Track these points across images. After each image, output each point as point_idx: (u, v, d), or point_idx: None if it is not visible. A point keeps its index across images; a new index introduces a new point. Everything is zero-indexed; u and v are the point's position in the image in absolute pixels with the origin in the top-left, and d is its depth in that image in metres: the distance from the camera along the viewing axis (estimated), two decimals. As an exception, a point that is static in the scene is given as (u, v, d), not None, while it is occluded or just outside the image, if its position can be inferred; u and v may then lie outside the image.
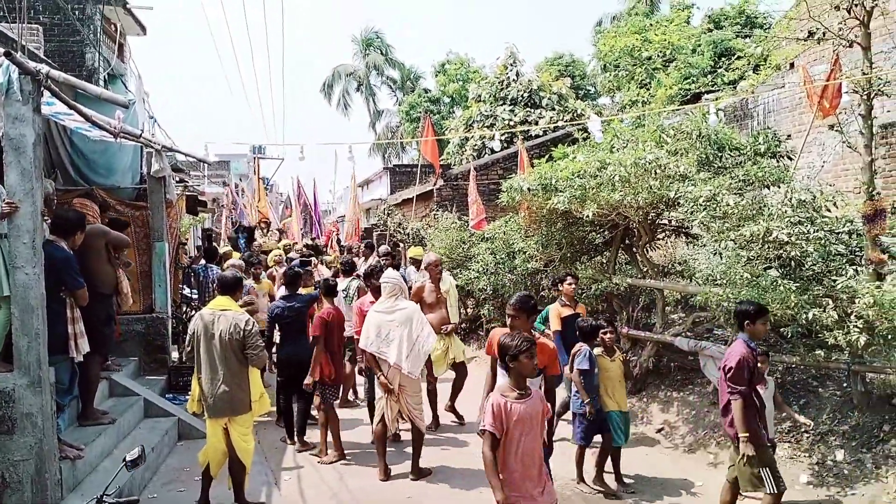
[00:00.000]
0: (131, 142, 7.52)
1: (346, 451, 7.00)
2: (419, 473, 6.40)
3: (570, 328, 6.97)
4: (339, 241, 15.38)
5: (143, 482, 6.02)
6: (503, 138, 17.36)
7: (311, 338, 6.91)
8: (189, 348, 5.58)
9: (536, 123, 18.10)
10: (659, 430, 7.61)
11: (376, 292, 6.87)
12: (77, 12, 10.58)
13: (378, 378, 6.38)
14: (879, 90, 6.36)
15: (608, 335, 6.30)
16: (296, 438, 7.32)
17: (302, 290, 7.89)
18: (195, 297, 9.22)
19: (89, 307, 5.68)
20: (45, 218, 5.42)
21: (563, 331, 7.12)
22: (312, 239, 15.83)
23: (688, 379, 8.13)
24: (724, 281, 6.59)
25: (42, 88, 4.93)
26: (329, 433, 6.95)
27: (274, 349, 7.73)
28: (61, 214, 5.70)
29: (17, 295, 4.79)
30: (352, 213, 16.18)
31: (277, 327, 7.48)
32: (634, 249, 8.72)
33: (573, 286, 7.41)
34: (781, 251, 6.36)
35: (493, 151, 16.59)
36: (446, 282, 8.21)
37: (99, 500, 3.29)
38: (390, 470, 6.50)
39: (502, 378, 4.16)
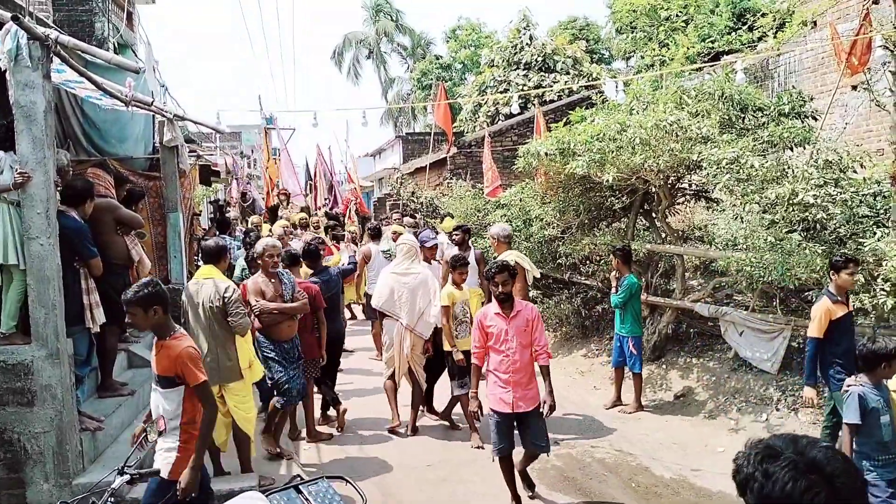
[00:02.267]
0: (143, 110, 7.41)
1: (368, 428, 7.02)
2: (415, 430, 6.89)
3: (842, 334, 5.31)
4: (357, 211, 14.98)
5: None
6: (517, 103, 17.13)
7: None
8: (183, 320, 5.55)
9: (551, 88, 17.83)
10: (679, 397, 7.54)
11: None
12: (85, -20, 10.41)
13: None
14: (911, 46, 6.14)
15: None
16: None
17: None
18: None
19: (104, 278, 5.63)
20: (59, 188, 5.35)
21: (831, 337, 5.29)
22: (331, 209, 15.37)
23: (707, 345, 8.05)
24: (747, 245, 6.47)
25: (51, 55, 4.84)
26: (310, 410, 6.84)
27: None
28: (69, 184, 5.62)
29: (32, 266, 4.75)
30: (357, 184, 15.94)
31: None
32: (654, 215, 8.58)
33: (855, 276, 5.37)
34: (806, 214, 6.22)
35: (509, 116, 16.31)
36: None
37: (120, 472, 3.28)
38: (399, 416, 6.91)
39: None
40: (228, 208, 14.41)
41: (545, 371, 5.06)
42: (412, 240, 7.14)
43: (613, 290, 7.43)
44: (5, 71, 4.64)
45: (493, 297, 5.13)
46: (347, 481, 4.01)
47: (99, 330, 5.59)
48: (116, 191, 7.37)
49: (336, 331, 7.08)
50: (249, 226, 10.44)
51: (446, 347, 6.49)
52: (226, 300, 5.17)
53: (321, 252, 7.29)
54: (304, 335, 6.48)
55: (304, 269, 7.16)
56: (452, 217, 11.31)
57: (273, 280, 5.98)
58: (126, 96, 6.41)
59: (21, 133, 4.71)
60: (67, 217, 5.24)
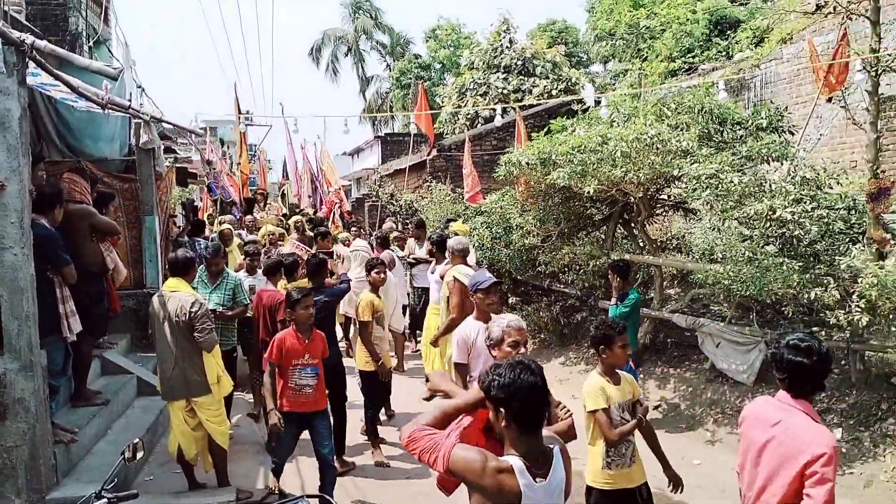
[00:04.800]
0: (119, 113, 7.28)
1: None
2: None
3: None
4: (342, 215, 14.18)
5: (139, 463, 5.93)
6: (496, 105, 17.14)
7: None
8: (151, 331, 5.47)
9: (530, 92, 17.87)
10: (656, 407, 7.59)
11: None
12: (60, -27, 10.20)
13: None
14: (888, 66, 6.24)
15: None
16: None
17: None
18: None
19: (78, 286, 5.53)
20: (32, 195, 5.23)
21: None
22: (314, 212, 14.45)
23: (685, 355, 8.12)
24: (725, 258, 6.53)
25: (27, 60, 4.73)
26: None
27: None
28: (38, 190, 5.47)
29: (5, 276, 4.64)
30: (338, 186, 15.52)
31: None
32: (633, 225, 8.64)
33: None
34: (783, 230, 6.30)
35: (489, 119, 16.32)
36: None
37: (97, 495, 3.20)
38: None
39: None
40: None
41: None
42: (365, 247, 7.73)
43: (614, 301, 6.79)
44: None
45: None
46: (328, 501, 3.97)
47: (75, 338, 5.49)
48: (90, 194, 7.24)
49: (332, 361, 5.96)
50: (221, 227, 10.01)
51: (589, 482, 4.29)
52: (192, 315, 5.09)
53: (326, 263, 6.64)
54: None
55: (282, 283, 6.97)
56: (463, 221, 10.48)
57: None
58: (102, 99, 6.29)
59: (-5, 141, 4.60)
60: (37, 225, 5.09)
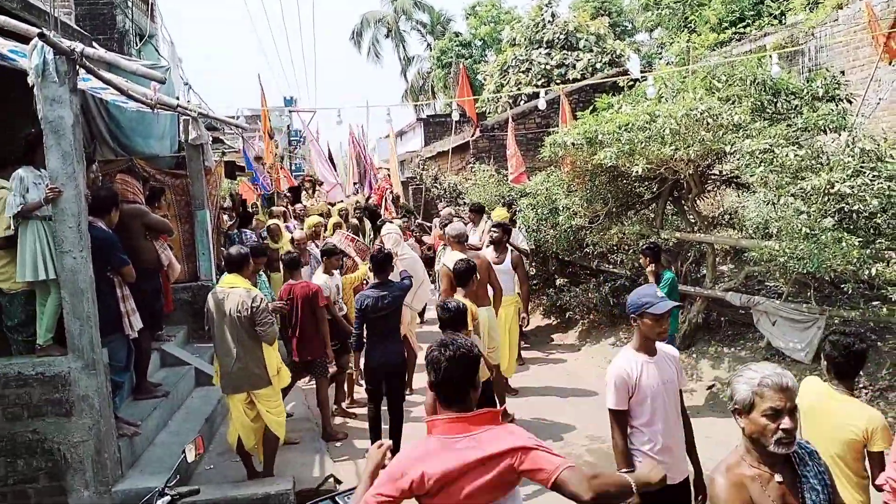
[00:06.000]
0: (168, 111, 7.42)
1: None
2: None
3: None
4: (394, 200, 13.45)
5: (199, 457, 6.12)
6: (540, 83, 16.85)
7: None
8: (207, 326, 5.60)
9: (574, 67, 17.53)
10: (710, 387, 7.47)
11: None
12: (105, -27, 10.38)
13: None
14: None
15: None
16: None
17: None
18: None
19: (135, 284, 5.71)
20: (88, 200, 5.39)
21: None
22: (367, 199, 13.67)
23: (739, 334, 7.94)
24: (780, 233, 6.33)
25: (77, 67, 4.84)
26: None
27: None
28: (94, 194, 5.65)
29: (65, 279, 4.81)
30: (394, 170, 15.25)
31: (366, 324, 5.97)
32: (683, 202, 8.44)
33: None
34: (842, 204, 6.07)
35: (531, 97, 16.04)
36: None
37: (161, 493, 3.31)
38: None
39: None
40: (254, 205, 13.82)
41: None
42: (395, 228, 8.08)
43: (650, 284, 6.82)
44: (32, 86, 4.66)
45: None
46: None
47: (137, 335, 5.67)
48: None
49: (387, 356, 5.90)
50: (268, 223, 10.04)
51: None
52: (253, 310, 5.20)
53: (391, 259, 6.39)
54: (308, 336, 6.46)
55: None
56: (510, 207, 9.97)
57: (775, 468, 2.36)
58: (151, 99, 6.42)
59: (50, 148, 4.74)
60: (95, 228, 5.27)
